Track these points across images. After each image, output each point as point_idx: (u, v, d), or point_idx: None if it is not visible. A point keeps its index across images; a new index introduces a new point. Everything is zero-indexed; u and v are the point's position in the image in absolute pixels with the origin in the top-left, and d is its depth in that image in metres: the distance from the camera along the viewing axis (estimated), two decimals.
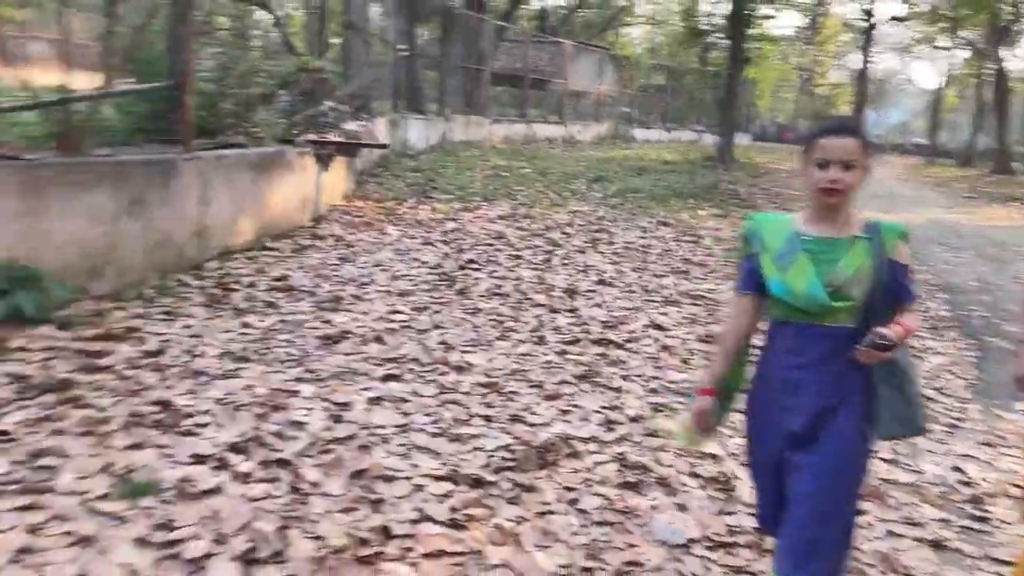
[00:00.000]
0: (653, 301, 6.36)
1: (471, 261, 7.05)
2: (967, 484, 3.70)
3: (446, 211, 9.33)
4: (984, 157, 34.68)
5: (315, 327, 4.92)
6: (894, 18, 37.55)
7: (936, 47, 41.71)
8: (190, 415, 3.51)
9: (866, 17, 37.21)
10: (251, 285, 5.64)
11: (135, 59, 5.92)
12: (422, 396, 4.06)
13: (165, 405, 3.60)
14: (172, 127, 5.52)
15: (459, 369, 4.49)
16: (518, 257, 7.42)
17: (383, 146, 9.98)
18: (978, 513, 3.43)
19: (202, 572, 2.48)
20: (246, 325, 4.82)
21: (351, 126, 8.85)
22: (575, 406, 4.11)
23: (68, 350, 4.13)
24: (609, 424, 3.93)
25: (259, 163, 6.64)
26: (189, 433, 3.36)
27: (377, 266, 6.59)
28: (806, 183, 2.21)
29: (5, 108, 4.78)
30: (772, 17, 21.98)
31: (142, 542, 2.57)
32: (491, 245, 7.81)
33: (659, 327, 5.63)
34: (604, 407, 4.13)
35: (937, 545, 3.14)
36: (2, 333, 4.16)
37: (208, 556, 2.54)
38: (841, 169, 2.12)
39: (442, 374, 4.38)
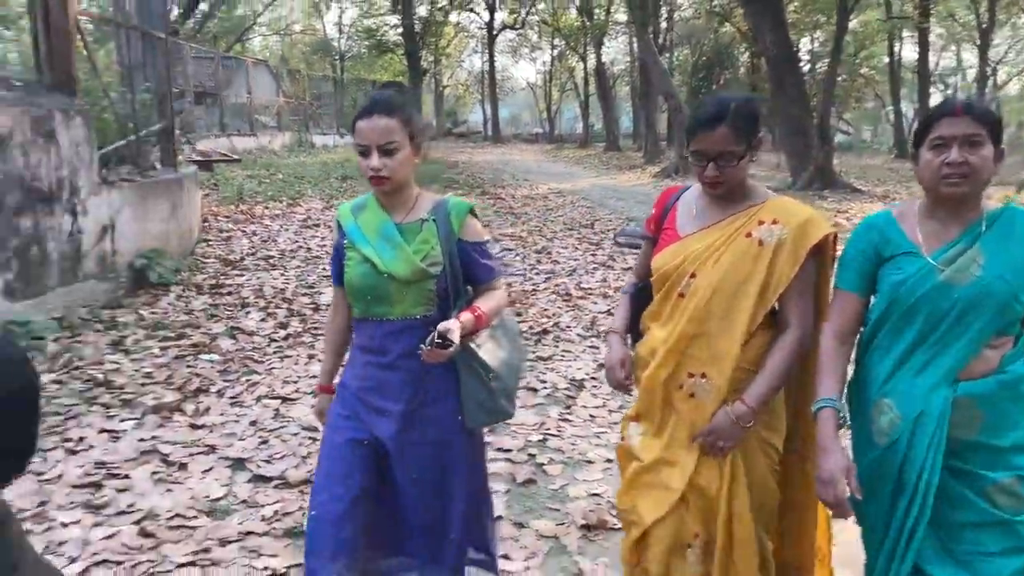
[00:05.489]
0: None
1: None
2: None
3: (280, 208, 11.58)
4: (595, 139, 42.40)
5: None
6: (506, 26, 44.56)
7: (537, 48, 50.19)
8: None
9: (485, 26, 43.64)
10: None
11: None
12: None
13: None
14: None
15: None
16: None
17: (238, 160, 11.90)
18: None
19: None
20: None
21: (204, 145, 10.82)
22: None
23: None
24: None
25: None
26: None
27: (299, 239, 9.04)
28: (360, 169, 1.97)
29: None
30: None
31: None
32: None
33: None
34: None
35: None
36: None
37: None
38: (380, 155, 1.87)
39: None
